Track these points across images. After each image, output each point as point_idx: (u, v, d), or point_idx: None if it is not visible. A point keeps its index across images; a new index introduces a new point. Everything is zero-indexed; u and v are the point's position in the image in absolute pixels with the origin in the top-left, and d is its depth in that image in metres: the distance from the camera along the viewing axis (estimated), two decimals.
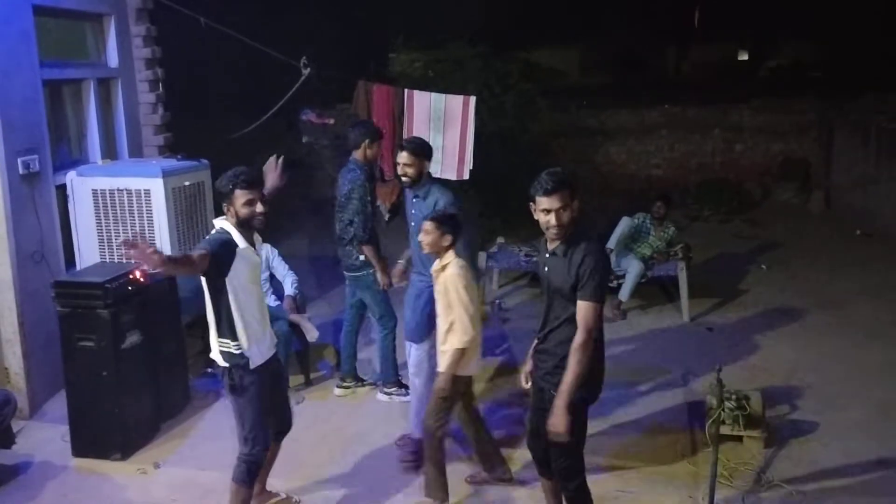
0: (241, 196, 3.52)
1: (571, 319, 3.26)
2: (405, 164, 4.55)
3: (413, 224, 4.59)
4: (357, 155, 5.12)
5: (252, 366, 3.62)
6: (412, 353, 4.58)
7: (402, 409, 4.98)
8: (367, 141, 5.09)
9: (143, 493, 4.32)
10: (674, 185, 10.96)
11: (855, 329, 6.46)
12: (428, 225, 3.83)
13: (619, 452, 4.57)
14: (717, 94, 12.30)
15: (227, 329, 3.59)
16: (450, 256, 3.84)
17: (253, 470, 3.74)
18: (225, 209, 3.60)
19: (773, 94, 12.39)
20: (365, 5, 11.58)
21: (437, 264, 3.90)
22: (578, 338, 3.18)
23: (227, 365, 3.63)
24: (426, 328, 4.49)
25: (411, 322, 4.59)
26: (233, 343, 3.60)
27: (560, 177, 3.21)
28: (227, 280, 3.54)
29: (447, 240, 3.81)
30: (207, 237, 3.64)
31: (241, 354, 3.60)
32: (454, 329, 3.79)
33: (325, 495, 4.25)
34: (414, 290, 4.64)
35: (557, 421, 3.19)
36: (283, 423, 4.00)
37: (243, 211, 3.54)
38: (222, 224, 3.60)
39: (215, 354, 3.70)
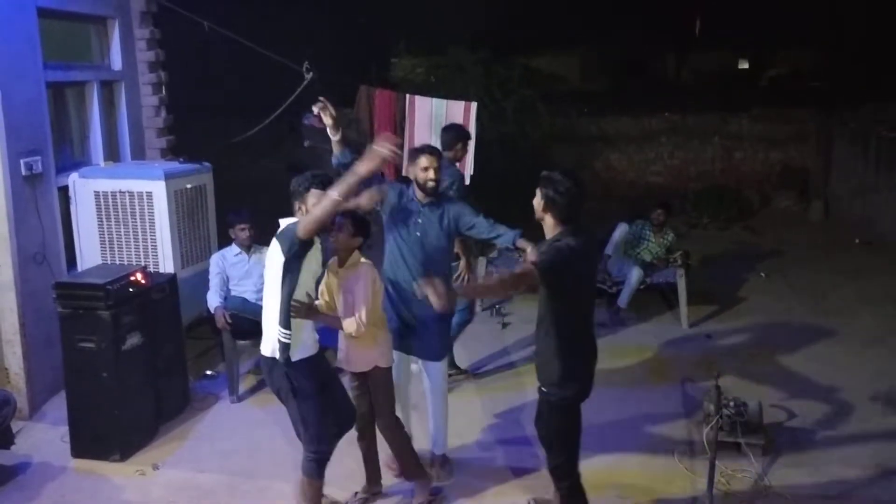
0: (315, 196, 3.56)
1: (544, 317, 3.40)
2: (436, 169, 4.18)
3: (419, 234, 4.21)
4: (449, 155, 5.28)
5: (293, 359, 3.61)
6: (433, 372, 4.37)
7: (417, 418, 4.90)
8: (460, 144, 5.37)
9: (142, 494, 4.33)
10: (673, 192, 10.98)
11: (853, 337, 6.48)
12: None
13: (617, 458, 4.59)
14: (718, 102, 12.34)
15: (286, 317, 3.57)
16: (357, 256, 3.94)
17: (322, 464, 3.76)
18: (297, 208, 3.65)
19: (773, 102, 12.43)
20: (367, 10, 11.61)
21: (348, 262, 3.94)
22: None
23: (278, 358, 3.61)
24: (447, 347, 4.59)
25: (435, 342, 4.31)
26: (286, 332, 3.58)
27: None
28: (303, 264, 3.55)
29: (357, 241, 3.90)
30: (284, 230, 3.59)
31: (288, 345, 3.59)
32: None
33: (336, 499, 4.25)
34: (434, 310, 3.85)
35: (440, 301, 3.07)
36: (343, 421, 3.95)
37: None
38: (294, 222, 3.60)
39: (270, 347, 3.65)
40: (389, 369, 4.10)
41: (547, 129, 10.39)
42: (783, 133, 11.65)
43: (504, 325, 6.96)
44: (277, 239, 3.58)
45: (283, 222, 3.66)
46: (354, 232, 3.86)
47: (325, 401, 3.74)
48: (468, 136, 5.61)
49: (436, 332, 4.27)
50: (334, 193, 3.35)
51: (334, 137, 4.32)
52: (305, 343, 3.67)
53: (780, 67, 16.46)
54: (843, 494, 4.21)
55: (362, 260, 3.95)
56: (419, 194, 4.22)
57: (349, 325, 3.81)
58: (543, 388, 3.47)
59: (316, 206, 3.45)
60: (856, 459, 4.53)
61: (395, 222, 4.26)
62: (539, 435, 3.59)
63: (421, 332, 4.24)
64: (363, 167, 3.41)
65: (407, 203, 4.25)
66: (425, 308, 3.48)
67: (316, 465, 3.76)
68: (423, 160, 4.15)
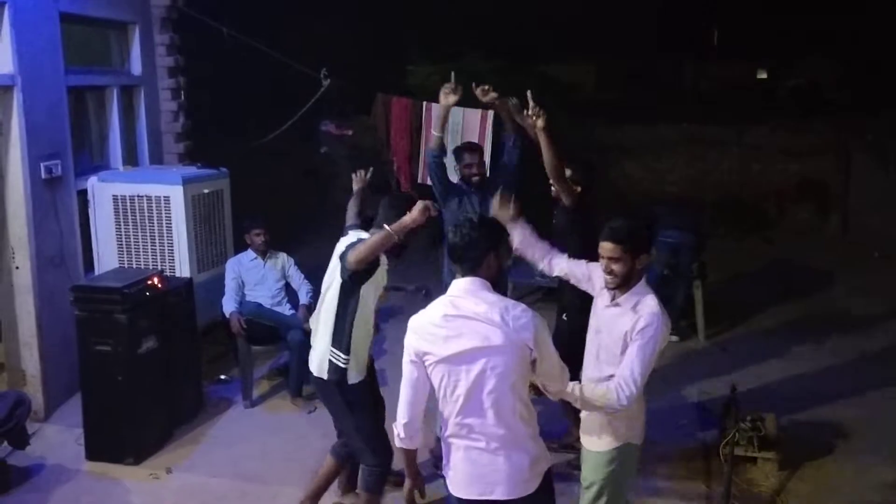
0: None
1: None
2: (478, 164, 4.73)
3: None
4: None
5: (349, 382, 3.58)
6: None
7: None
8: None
9: (155, 498, 4.34)
10: (689, 202, 10.90)
11: (872, 351, 6.39)
12: None
13: None
14: (736, 113, 12.26)
15: (341, 339, 3.54)
16: None
17: (384, 477, 3.73)
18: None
19: (791, 113, 12.33)
20: (383, 17, 11.65)
21: None
22: None
23: (326, 378, 3.58)
24: None
25: None
26: (343, 356, 3.54)
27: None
28: (364, 287, 3.52)
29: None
30: (356, 244, 3.50)
31: (345, 370, 3.55)
32: None
33: None
34: None
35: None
36: None
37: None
38: (367, 237, 3.54)
39: (319, 366, 3.63)
40: None
41: (563, 138, 10.35)
42: (802, 145, 11.53)
43: None
44: (340, 260, 3.53)
45: (346, 241, 3.60)
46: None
47: (381, 412, 3.75)
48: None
49: None
50: (390, 230, 3.30)
51: (436, 133, 4.68)
52: (361, 366, 3.64)
53: (799, 78, 16.34)
54: None
55: None
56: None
57: None
58: None
59: (367, 243, 3.36)
60: (873, 476, 4.46)
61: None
62: None
63: None
64: (411, 220, 3.38)
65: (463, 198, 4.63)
66: None
67: (378, 479, 3.70)
68: (466, 157, 4.69)
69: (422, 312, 2.72)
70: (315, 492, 4.00)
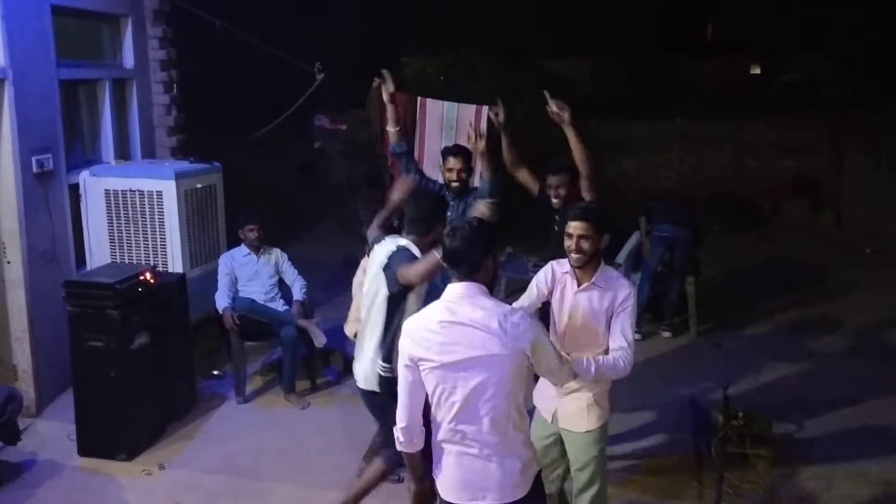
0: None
1: None
2: (460, 170, 4.55)
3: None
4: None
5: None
6: None
7: None
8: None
9: (148, 494, 4.33)
10: (684, 198, 10.90)
11: (865, 348, 6.42)
12: None
13: (624, 468, 4.56)
14: (730, 109, 12.27)
15: (384, 349, 3.50)
16: None
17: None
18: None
19: (786, 110, 12.34)
20: (379, 11, 11.61)
21: None
22: None
23: (378, 391, 3.54)
24: None
25: None
26: (387, 366, 3.49)
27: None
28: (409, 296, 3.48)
29: None
30: (398, 253, 3.46)
31: (393, 380, 3.41)
32: None
33: (330, 502, 4.24)
34: None
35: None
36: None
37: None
38: (408, 244, 3.50)
39: (367, 380, 3.58)
40: None
41: (558, 134, 10.35)
42: (796, 141, 11.55)
43: None
44: (385, 273, 3.46)
45: (383, 249, 3.52)
46: None
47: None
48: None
49: None
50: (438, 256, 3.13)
51: (392, 129, 4.68)
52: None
53: (793, 73, 16.35)
54: None
55: None
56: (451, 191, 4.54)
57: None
58: None
59: (426, 264, 3.27)
60: (864, 474, 4.48)
61: None
62: None
63: None
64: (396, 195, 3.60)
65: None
66: None
67: (400, 464, 3.64)
68: (450, 161, 4.55)
69: (416, 317, 2.69)
70: (358, 495, 3.91)
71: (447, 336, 2.55)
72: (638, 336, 6.67)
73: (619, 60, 15.17)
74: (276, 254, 5.74)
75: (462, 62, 10.04)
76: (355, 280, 4.24)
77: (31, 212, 5.12)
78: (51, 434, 4.94)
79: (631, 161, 12.11)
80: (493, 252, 2.71)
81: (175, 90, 6.58)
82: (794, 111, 12.16)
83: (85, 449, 4.68)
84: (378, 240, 3.71)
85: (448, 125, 6.28)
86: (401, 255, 3.43)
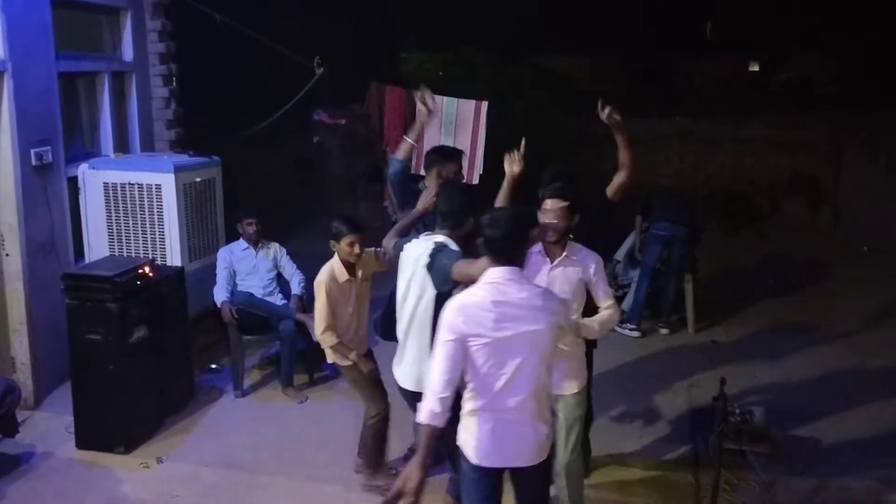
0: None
1: None
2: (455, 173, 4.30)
3: None
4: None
5: None
6: None
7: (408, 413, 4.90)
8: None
9: (145, 487, 4.33)
10: (682, 196, 10.91)
11: (862, 345, 6.44)
12: None
13: (621, 463, 4.57)
14: (729, 107, 12.28)
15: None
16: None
17: None
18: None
19: (783, 108, 12.36)
20: (379, 7, 11.59)
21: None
22: None
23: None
24: None
25: None
26: None
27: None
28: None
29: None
30: (445, 250, 3.41)
31: None
32: None
33: (327, 496, 4.25)
34: None
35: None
36: None
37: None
38: (445, 240, 3.48)
39: (416, 382, 3.50)
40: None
41: (557, 131, 10.37)
42: (794, 139, 11.57)
43: None
44: (429, 272, 3.41)
45: (421, 247, 3.49)
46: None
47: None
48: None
49: None
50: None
51: (410, 140, 4.32)
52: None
53: (792, 72, 16.39)
54: None
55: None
56: None
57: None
58: None
59: (478, 266, 3.15)
60: (860, 470, 4.49)
61: None
62: None
63: None
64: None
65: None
66: None
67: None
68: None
69: (464, 296, 2.90)
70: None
71: (500, 314, 2.80)
72: (637, 333, 6.71)
73: (618, 58, 15.18)
74: (275, 248, 5.74)
75: (461, 59, 10.04)
76: (322, 285, 4.12)
77: (30, 204, 5.11)
78: (49, 426, 4.94)
79: None
80: (529, 239, 3.02)
81: (174, 83, 6.57)
82: (792, 110, 12.17)
83: (83, 442, 4.68)
84: (400, 246, 3.69)
85: (447, 120, 6.28)
86: (449, 253, 3.38)
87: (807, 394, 5.53)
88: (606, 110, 4.14)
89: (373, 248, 4.23)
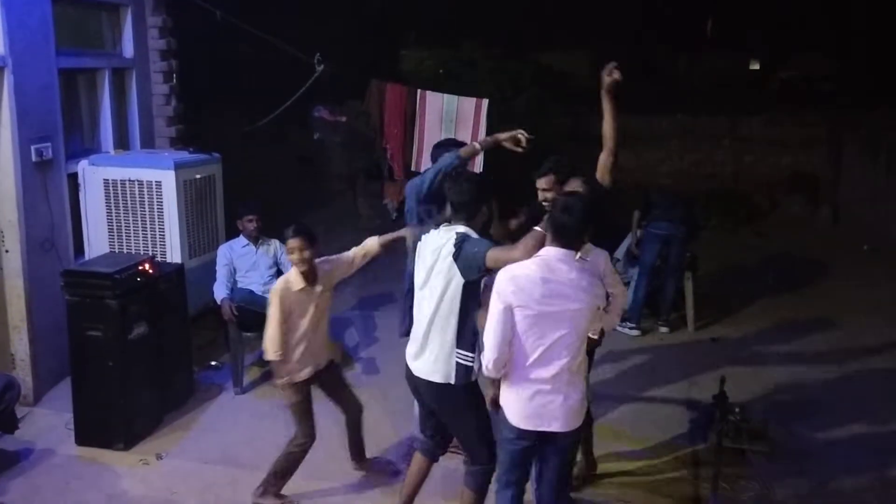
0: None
1: None
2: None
3: None
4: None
5: (474, 377, 3.47)
6: None
7: (409, 410, 4.92)
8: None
9: (145, 484, 4.34)
10: (681, 194, 10.92)
11: (861, 344, 6.45)
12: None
13: (620, 460, 4.58)
14: (729, 105, 12.28)
15: (468, 339, 3.40)
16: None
17: (491, 476, 3.58)
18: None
19: (783, 106, 12.35)
20: (378, 1, 11.57)
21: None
22: None
23: (454, 382, 3.44)
24: None
25: None
26: (469, 355, 3.41)
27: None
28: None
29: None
30: (470, 239, 3.37)
31: (471, 369, 3.43)
32: None
33: (325, 494, 4.26)
34: None
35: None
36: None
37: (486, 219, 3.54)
38: (466, 230, 3.43)
39: (445, 373, 3.43)
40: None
41: (557, 128, 10.37)
42: (794, 137, 11.58)
43: None
44: (456, 261, 3.34)
45: (443, 238, 3.43)
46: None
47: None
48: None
49: None
50: (540, 229, 3.22)
51: (479, 145, 4.33)
52: (478, 361, 3.44)
53: (792, 70, 16.36)
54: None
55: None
56: None
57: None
58: None
59: (532, 239, 3.21)
60: (859, 468, 4.51)
61: None
62: None
63: None
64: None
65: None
66: None
67: (489, 479, 3.58)
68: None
69: (516, 268, 3.10)
70: (410, 496, 3.86)
71: (547, 290, 3.04)
72: (636, 332, 6.71)
73: (617, 56, 15.14)
74: (275, 245, 5.74)
75: (461, 55, 10.04)
76: (276, 293, 4.02)
77: (30, 201, 5.11)
78: (48, 423, 4.94)
79: (628, 155, 12.07)
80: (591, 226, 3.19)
81: (175, 80, 6.56)
82: (792, 108, 12.17)
83: (82, 438, 4.69)
84: (419, 236, 3.62)
85: (448, 118, 6.29)
86: (476, 242, 3.35)
87: (807, 393, 5.54)
88: (608, 66, 4.15)
89: (334, 256, 4.14)
